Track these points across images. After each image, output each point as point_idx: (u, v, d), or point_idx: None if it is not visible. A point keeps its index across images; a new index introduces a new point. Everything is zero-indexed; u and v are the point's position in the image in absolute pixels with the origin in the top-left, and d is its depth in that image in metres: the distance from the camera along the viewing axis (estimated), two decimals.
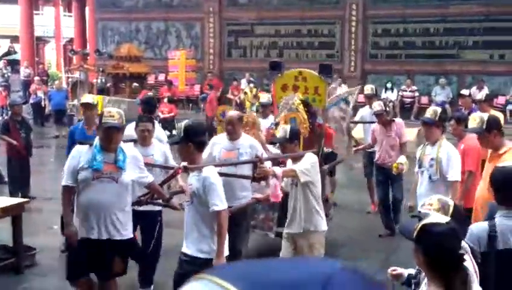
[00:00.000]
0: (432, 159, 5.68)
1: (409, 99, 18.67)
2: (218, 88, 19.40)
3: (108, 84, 20.72)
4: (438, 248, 2.60)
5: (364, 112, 9.31)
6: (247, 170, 5.71)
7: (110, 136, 4.62)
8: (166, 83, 19.29)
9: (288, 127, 5.39)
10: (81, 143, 4.94)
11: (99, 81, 20.92)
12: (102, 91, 20.26)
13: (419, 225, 2.69)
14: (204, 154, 5.49)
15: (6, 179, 9.92)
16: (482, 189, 4.94)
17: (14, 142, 9.15)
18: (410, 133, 17.06)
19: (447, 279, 2.58)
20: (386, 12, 19.23)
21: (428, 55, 18.92)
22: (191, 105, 20.85)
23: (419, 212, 3.14)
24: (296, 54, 20.31)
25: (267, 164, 5.26)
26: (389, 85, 18.74)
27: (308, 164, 5.12)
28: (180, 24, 22.32)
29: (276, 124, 6.74)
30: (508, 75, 18.07)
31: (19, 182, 9.25)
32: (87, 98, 7.15)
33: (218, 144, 5.91)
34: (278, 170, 4.98)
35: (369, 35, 19.68)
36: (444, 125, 5.84)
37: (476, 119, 5.18)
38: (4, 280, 6.20)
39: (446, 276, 2.59)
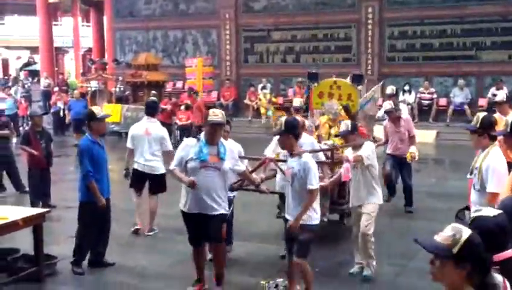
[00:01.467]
0: (476, 168, 5.43)
1: (427, 102, 18.55)
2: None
3: (126, 93, 20.93)
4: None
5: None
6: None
7: (215, 131, 5.58)
8: (188, 90, 19.19)
9: (349, 122, 6.66)
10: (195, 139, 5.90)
11: (117, 89, 21.13)
12: (120, 100, 20.51)
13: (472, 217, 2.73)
14: (269, 150, 7.01)
15: (27, 189, 10.05)
16: (505, 194, 4.78)
17: (35, 152, 9.27)
18: (429, 136, 17.02)
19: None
20: (403, 14, 19.13)
21: (446, 57, 18.78)
22: None
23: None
24: (312, 58, 20.27)
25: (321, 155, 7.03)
26: (406, 88, 18.62)
27: (369, 151, 6.30)
28: (196, 31, 22.44)
29: (317, 126, 8.13)
30: None
31: (40, 191, 9.37)
32: (101, 111, 7.17)
33: None
34: (350, 156, 6.21)
35: (386, 38, 19.59)
36: (490, 133, 5.17)
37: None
38: (25, 288, 6.28)
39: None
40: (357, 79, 9.13)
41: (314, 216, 5.47)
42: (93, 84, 21.86)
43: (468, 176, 5.70)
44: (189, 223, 5.85)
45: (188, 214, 5.78)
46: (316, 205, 5.55)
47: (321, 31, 20.43)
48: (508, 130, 4.90)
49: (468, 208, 5.85)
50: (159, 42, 23.15)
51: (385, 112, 9.10)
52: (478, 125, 5.25)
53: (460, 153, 13.98)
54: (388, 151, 9.25)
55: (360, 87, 9.37)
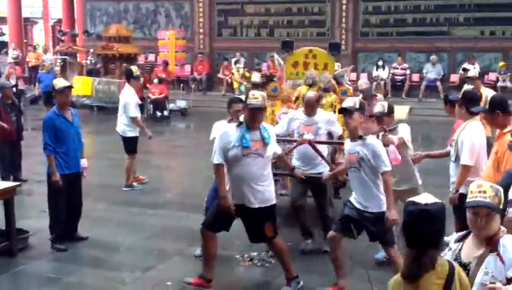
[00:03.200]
0: (453, 140, 5.53)
1: (401, 77, 18.69)
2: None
3: (98, 66, 20.61)
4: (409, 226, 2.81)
5: None
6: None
7: (255, 116, 5.13)
8: (162, 63, 19.10)
9: (386, 104, 6.17)
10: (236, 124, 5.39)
11: (88, 62, 20.80)
12: (91, 72, 20.22)
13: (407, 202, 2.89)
14: (281, 128, 6.49)
15: None
16: (488, 169, 4.85)
17: (5, 125, 9.09)
18: (402, 111, 17.12)
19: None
20: None
21: (419, 32, 18.90)
22: (182, 85, 20.77)
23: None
24: (286, 32, 20.18)
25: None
26: (380, 63, 18.77)
27: (408, 132, 6.09)
28: (169, 4, 22.12)
29: (296, 98, 7.45)
30: (498, 51, 18.11)
31: (10, 165, 9.24)
32: (63, 82, 6.98)
33: (296, 119, 6.40)
34: (395, 139, 5.78)
35: (360, 13, 19.59)
36: (468, 107, 5.24)
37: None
38: None
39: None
40: (334, 48, 8.38)
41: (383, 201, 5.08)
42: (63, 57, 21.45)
43: (448, 147, 5.82)
44: (230, 215, 5.31)
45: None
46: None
47: (295, 5, 20.33)
48: (487, 107, 4.98)
49: None
50: (130, 14, 22.77)
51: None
52: (460, 96, 5.42)
53: (433, 129, 14.20)
54: None
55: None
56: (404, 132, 6.05)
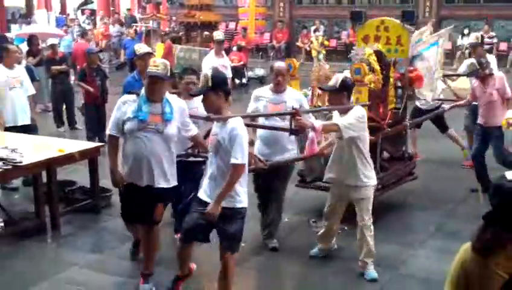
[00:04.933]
0: None
1: (487, 46, 17.79)
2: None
3: (180, 33, 20.91)
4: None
5: (464, 67, 8.39)
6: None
7: (154, 85, 4.54)
8: (240, 31, 19.21)
9: (341, 76, 5.02)
10: (129, 93, 4.83)
11: (171, 29, 21.12)
12: (174, 40, 20.54)
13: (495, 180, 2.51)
14: (249, 108, 5.69)
15: (77, 126, 10.60)
16: None
17: (91, 89, 9.47)
18: None
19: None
20: None
21: None
22: (261, 53, 20.74)
23: None
24: (368, 0, 19.67)
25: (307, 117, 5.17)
26: (466, 31, 17.96)
27: (354, 118, 4.78)
28: None
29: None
30: None
31: (95, 126, 9.60)
32: (144, 48, 7.02)
33: (263, 98, 5.60)
34: (317, 123, 4.75)
35: None
36: None
37: None
38: (83, 218, 6.55)
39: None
40: (408, 16, 7.04)
41: (238, 198, 4.24)
42: (150, 24, 21.91)
43: None
44: (129, 197, 4.85)
45: (129, 185, 4.75)
46: (241, 187, 4.27)
47: None
48: None
49: None
50: None
51: (467, 76, 7.57)
52: None
53: None
54: (479, 122, 7.38)
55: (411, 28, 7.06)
56: (349, 116, 4.81)
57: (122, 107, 4.62)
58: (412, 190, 7.37)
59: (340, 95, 4.91)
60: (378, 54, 6.34)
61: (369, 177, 5.03)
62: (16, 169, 5.79)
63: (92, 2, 29.57)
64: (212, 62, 9.49)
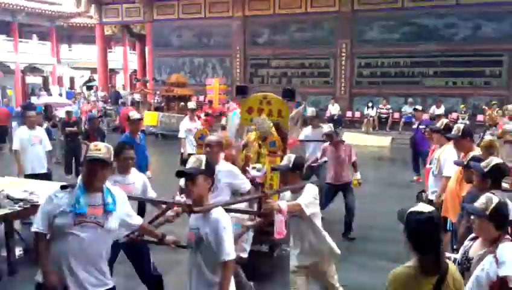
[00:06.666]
0: (435, 158, 5.35)
1: (385, 115, 18.55)
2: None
3: (162, 104, 20.94)
4: (415, 232, 2.35)
5: (307, 132, 7.80)
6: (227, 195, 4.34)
7: (95, 171, 3.04)
8: (208, 102, 19.38)
9: (293, 157, 3.92)
10: (63, 187, 3.13)
11: (155, 101, 21.13)
12: (157, 109, 20.51)
13: (407, 212, 2.38)
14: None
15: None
16: (453, 182, 4.68)
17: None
18: (386, 141, 16.98)
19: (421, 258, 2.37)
20: (368, 50, 19.08)
21: (399, 82, 18.75)
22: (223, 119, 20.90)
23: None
24: (301, 81, 20.28)
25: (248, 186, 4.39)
26: (370, 104, 18.69)
27: (311, 197, 3.77)
28: (215, 59, 22.43)
29: (244, 145, 5.52)
30: (459, 97, 17.88)
31: None
32: (136, 114, 6.98)
33: None
34: (283, 205, 3.57)
35: (355, 67, 19.56)
36: (446, 134, 5.24)
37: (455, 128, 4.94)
38: None
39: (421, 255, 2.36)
40: (288, 94, 5.93)
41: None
42: (137, 96, 21.87)
43: (428, 165, 5.70)
44: None
45: None
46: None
47: (307, 60, 20.41)
48: (460, 134, 4.84)
49: (424, 191, 5.93)
50: (186, 66, 23.13)
51: (325, 135, 6.76)
52: (442, 127, 5.43)
53: (409, 154, 14.01)
54: (329, 180, 6.71)
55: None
56: (306, 195, 3.75)
57: (55, 200, 3.07)
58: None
59: (294, 174, 3.87)
60: (276, 125, 5.54)
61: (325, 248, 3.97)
62: (33, 207, 5.58)
63: (95, 80, 29.35)
64: (187, 125, 9.35)
